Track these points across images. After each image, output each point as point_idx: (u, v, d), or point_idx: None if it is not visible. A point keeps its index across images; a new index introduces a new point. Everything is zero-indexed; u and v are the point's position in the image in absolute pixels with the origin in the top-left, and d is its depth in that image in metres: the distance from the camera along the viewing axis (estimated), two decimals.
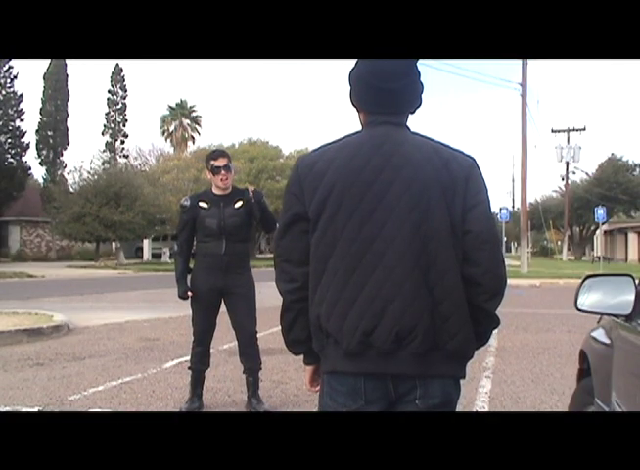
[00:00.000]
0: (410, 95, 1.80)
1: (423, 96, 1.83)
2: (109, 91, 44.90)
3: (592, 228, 51.59)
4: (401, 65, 1.77)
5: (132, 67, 72.88)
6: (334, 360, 1.73)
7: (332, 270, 1.70)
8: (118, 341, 8.16)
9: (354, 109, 1.87)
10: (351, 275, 1.68)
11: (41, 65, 44.21)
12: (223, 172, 4.59)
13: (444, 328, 1.68)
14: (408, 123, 1.84)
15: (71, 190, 36.05)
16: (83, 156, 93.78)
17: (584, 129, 46.56)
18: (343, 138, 1.81)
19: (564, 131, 46.56)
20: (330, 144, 1.81)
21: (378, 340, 1.65)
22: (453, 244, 1.70)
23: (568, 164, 46.84)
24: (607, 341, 2.68)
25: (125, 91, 45.28)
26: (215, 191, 4.68)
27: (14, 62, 37.72)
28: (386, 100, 1.77)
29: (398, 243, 1.67)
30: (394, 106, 1.78)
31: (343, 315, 1.67)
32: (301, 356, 1.89)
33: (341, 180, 1.71)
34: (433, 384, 1.69)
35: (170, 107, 55.09)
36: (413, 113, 1.84)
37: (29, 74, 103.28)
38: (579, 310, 2.68)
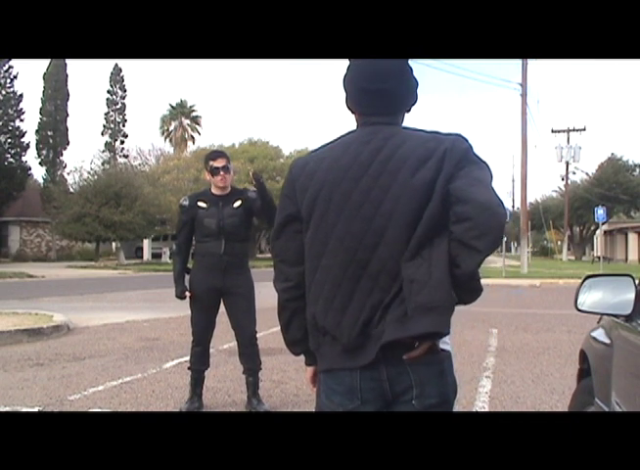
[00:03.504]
0: (402, 94, 1.80)
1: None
2: (108, 91, 45.00)
3: (592, 228, 51.58)
4: (390, 64, 1.77)
5: (132, 67, 73.01)
6: (330, 359, 1.74)
7: (325, 267, 1.72)
8: (118, 341, 8.16)
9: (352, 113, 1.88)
10: (346, 270, 1.69)
11: (41, 65, 44.27)
12: (222, 173, 4.59)
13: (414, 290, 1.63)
14: (408, 122, 1.84)
15: (71, 190, 36.11)
16: (83, 156, 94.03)
17: (584, 129, 46.60)
18: (336, 139, 1.83)
19: (564, 131, 46.59)
20: (323, 146, 1.84)
21: (377, 329, 1.66)
22: (443, 223, 1.64)
23: (568, 164, 46.85)
24: (607, 341, 2.68)
25: (125, 91, 45.36)
26: (214, 191, 4.68)
27: (14, 62, 37.81)
28: (376, 101, 1.78)
29: (388, 235, 1.67)
30: (386, 106, 1.78)
31: (342, 310, 1.68)
32: (302, 356, 1.90)
33: (330, 178, 1.74)
34: (429, 384, 1.69)
35: (171, 106, 55.13)
36: (409, 111, 1.85)
37: (29, 74, 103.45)
38: (579, 310, 2.68)
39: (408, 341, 1.65)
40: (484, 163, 1.71)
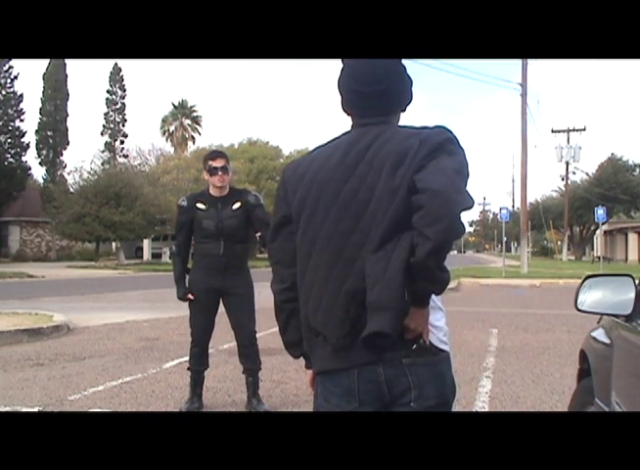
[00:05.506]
0: (397, 94, 1.80)
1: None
2: (107, 91, 45.05)
3: (592, 228, 51.58)
4: (384, 64, 1.77)
5: (132, 67, 73.01)
6: (322, 360, 1.74)
7: (314, 268, 1.72)
8: (118, 341, 8.16)
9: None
10: (332, 269, 1.69)
11: (41, 65, 44.31)
12: (220, 173, 4.57)
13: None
14: (406, 123, 1.84)
15: (71, 190, 36.11)
16: (83, 156, 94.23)
17: (584, 129, 46.61)
18: (330, 141, 1.83)
19: (564, 131, 46.58)
20: (317, 147, 1.85)
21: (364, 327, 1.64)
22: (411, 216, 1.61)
23: (568, 164, 46.85)
24: (607, 341, 2.68)
25: (124, 91, 45.38)
26: (212, 192, 4.66)
27: (14, 62, 37.83)
28: (371, 102, 1.77)
29: (373, 234, 1.66)
30: (381, 107, 1.78)
31: (330, 309, 1.68)
32: (302, 358, 1.90)
33: (318, 179, 1.74)
34: (428, 385, 1.69)
35: (174, 105, 55.13)
36: (404, 110, 1.84)
37: (29, 74, 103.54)
38: (579, 310, 2.68)
39: (400, 339, 1.64)
40: (461, 153, 1.67)
